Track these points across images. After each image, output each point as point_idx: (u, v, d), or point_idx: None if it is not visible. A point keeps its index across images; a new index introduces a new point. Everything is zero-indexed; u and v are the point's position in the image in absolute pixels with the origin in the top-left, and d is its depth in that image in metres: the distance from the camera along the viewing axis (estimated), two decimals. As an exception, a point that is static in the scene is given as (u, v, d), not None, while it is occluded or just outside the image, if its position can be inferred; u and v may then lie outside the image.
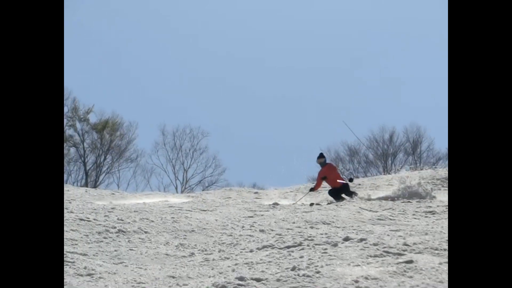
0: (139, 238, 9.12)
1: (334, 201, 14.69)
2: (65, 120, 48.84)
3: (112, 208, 12.02)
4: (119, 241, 8.87)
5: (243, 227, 10.13)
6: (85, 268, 6.94)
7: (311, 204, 13.97)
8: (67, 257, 7.17)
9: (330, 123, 71.25)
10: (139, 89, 73.43)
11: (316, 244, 7.85)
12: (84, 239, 8.78)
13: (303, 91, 75.31)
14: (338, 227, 9.50)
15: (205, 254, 8.17)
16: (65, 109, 49.18)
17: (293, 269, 6.41)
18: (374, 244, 7.44)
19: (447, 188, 14.48)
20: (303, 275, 6.11)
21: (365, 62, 78.21)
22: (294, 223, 10.25)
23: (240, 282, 5.94)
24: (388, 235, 8.24)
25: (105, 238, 9.01)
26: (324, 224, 9.94)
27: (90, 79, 71.32)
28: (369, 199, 14.13)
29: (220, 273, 6.72)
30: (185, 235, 9.49)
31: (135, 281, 6.50)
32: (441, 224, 9.14)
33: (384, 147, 54.07)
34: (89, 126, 50.82)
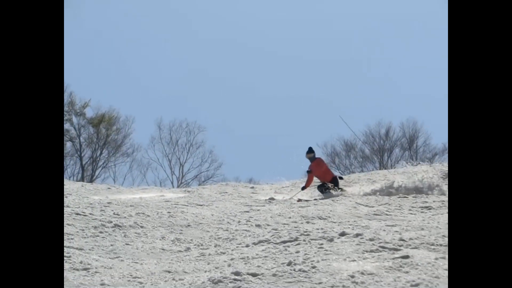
0: (135, 233, 9.12)
1: (322, 195, 14.63)
2: (61, 114, 48.70)
3: (108, 203, 12.00)
4: (115, 236, 8.86)
5: (239, 222, 10.13)
6: (81, 262, 6.94)
7: (299, 200, 13.92)
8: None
9: (327, 118, 71.25)
10: (136, 84, 73.34)
11: (312, 239, 7.85)
12: (80, 234, 8.78)
13: (300, 86, 75.27)
14: (334, 222, 9.51)
15: (201, 249, 8.17)
16: (61, 103, 49.09)
17: (289, 264, 6.42)
18: (370, 239, 7.44)
19: (443, 182, 14.44)
20: (299, 270, 6.11)
21: (362, 57, 78.22)
22: (290, 218, 10.25)
23: (236, 277, 5.94)
24: (384, 230, 8.25)
25: (101, 232, 9.00)
26: (320, 219, 9.94)
27: (86, 73, 71.16)
28: (365, 194, 14.10)
29: (216, 268, 6.72)
30: (181, 230, 9.49)
31: (131, 275, 6.50)
32: (437, 220, 9.15)
33: (380, 142, 54.09)
34: (85, 120, 50.71)
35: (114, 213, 10.49)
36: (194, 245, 8.46)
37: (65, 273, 6.30)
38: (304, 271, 6.08)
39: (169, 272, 6.68)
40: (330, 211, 10.68)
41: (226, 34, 78.98)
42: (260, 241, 8.16)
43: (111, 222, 9.68)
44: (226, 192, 16.08)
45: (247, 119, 72.80)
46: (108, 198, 13.43)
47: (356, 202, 11.92)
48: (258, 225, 9.68)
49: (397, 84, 74.37)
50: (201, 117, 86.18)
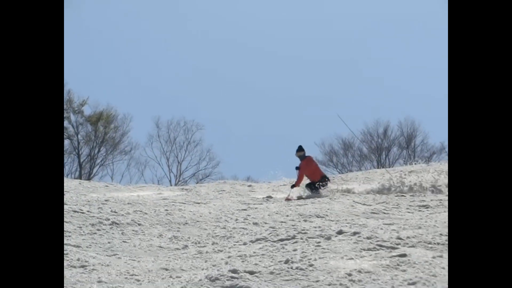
0: (133, 230, 9.12)
1: (311, 194, 14.61)
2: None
3: (106, 200, 12.00)
4: (113, 233, 8.86)
5: (236, 220, 10.13)
6: (78, 259, 6.94)
7: (287, 199, 13.89)
8: (60, 248, 7.16)
9: (325, 116, 71.28)
10: (134, 82, 73.30)
11: (309, 237, 7.85)
12: (77, 231, 8.78)
13: (298, 85, 75.34)
14: (332, 221, 9.51)
15: (198, 246, 8.17)
16: (60, 101, 48.95)
17: (287, 262, 6.42)
18: (368, 238, 7.45)
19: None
20: (297, 268, 6.11)
21: (359, 56, 78.26)
22: (287, 216, 10.25)
23: (233, 275, 5.94)
24: (381, 228, 8.25)
25: (98, 230, 9.00)
26: (317, 217, 9.95)
27: (84, 71, 71.18)
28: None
29: (213, 266, 6.72)
30: (179, 228, 9.49)
31: (128, 273, 6.49)
32: (435, 218, 9.15)
33: (378, 141, 54.12)
34: (83, 118, 50.68)
35: (111, 211, 10.49)
36: (192, 242, 8.46)
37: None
38: (301, 269, 6.08)
39: (166, 269, 6.68)
40: (328, 209, 10.68)
41: (224, 33, 79.05)
42: (257, 239, 8.16)
43: (109, 219, 9.68)
44: (224, 190, 16.08)
45: (245, 118, 72.89)
46: (106, 195, 13.42)
47: (353, 201, 11.92)
48: (255, 223, 9.69)
49: (395, 83, 74.43)
50: (199, 116, 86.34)
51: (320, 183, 14.83)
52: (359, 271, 5.91)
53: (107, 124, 51.33)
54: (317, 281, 5.73)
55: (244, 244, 8.04)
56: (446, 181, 13.41)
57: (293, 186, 15.34)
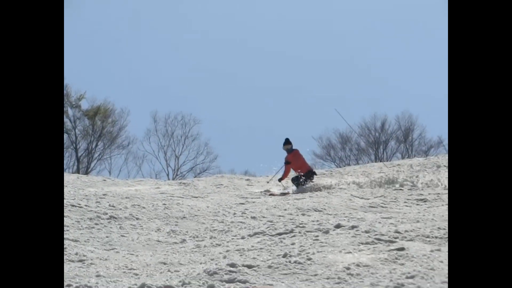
0: (131, 225, 9.11)
1: (297, 189, 14.59)
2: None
3: (104, 195, 12.00)
4: (111, 228, 8.86)
5: (234, 214, 10.13)
6: (76, 254, 6.94)
7: (271, 195, 13.87)
8: (58, 243, 7.16)
9: (322, 110, 71.27)
10: (131, 76, 73.24)
11: (307, 231, 7.85)
12: (75, 225, 8.77)
13: (296, 79, 75.26)
14: (330, 214, 9.51)
15: (196, 240, 8.17)
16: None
17: (285, 256, 6.41)
18: (366, 232, 7.45)
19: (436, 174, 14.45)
20: (295, 262, 6.11)
21: (357, 52, 78.17)
22: (285, 210, 10.25)
23: (232, 269, 5.94)
24: (379, 222, 8.26)
25: (96, 224, 9.00)
26: (315, 211, 9.95)
27: (82, 65, 71.00)
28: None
29: (211, 260, 6.72)
30: (177, 222, 9.49)
31: (126, 267, 6.49)
32: (433, 212, 9.16)
33: (376, 135, 54.16)
34: (80, 112, 50.61)
35: (109, 205, 10.48)
36: (190, 237, 8.45)
37: (60, 265, 6.30)
38: (299, 263, 6.08)
39: (164, 263, 6.68)
40: (326, 203, 10.69)
41: (221, 29, 78.91)
42: (255, 233, 8.16)
43: (107, 214, 9.67)
44: (222, 184, 16.09)
45: (243, 112, 72.87)
46: (104, 190, 13.41)
47: (351, 194, 11.93)
48: (253, 217, 9.69)
49: (392, 78, 74.44)
50: (196, 110, 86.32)
51: (305, 177, 14.84)
52: (357, 265, 5.91)
53: (105, 119, 51.27)
54: (315, 274, 5.73)
55: (242, 238, 8.04)
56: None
57: (280, 179, 15.39)
